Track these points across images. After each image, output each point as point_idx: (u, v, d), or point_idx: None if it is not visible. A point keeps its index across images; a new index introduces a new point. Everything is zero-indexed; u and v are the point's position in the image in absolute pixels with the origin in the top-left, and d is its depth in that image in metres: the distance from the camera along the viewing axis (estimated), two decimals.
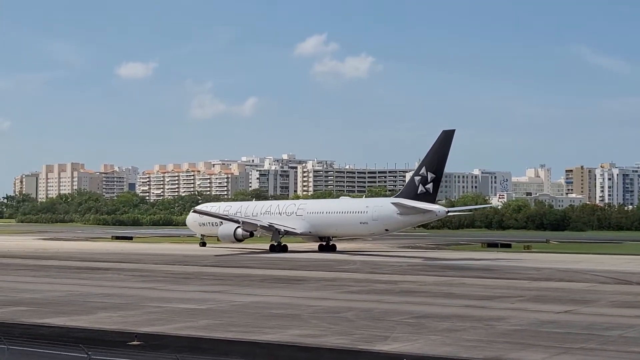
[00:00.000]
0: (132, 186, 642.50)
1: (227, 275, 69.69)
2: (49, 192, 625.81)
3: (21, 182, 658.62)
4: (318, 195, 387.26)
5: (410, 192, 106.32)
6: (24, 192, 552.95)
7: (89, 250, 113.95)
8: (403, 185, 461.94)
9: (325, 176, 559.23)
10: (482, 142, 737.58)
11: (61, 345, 27.75)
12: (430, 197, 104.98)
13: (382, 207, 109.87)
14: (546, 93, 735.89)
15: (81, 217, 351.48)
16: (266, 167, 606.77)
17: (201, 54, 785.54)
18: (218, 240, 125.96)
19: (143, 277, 66.35)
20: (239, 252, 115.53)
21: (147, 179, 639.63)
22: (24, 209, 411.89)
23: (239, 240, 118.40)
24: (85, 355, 22.84)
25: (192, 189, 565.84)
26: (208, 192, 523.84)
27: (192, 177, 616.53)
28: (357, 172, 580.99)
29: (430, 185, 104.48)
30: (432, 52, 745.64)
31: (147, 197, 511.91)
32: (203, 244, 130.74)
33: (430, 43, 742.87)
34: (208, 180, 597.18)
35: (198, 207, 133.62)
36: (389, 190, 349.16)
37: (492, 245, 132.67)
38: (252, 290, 55.80)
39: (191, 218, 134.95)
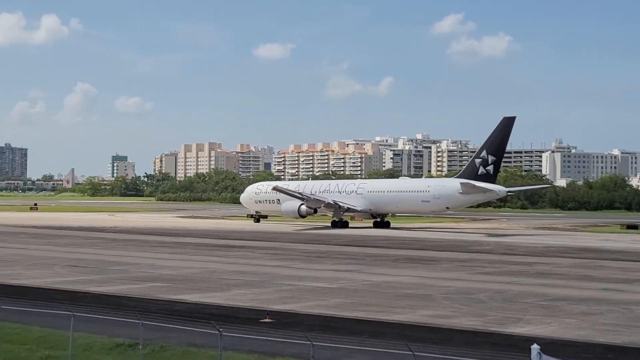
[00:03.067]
0: (267, 166, 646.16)
1: (359, 254, 69.27)
2: (187, 171, 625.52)
3: (161, 161, 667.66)
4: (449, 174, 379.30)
5: (471, 173, 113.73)
6: (163, 171, 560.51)
7: (224, 228, 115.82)
8: (540, 165, 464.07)
9: (459, 156, 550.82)
10: (621, 121, 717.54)
11: (194, 322, 28.03)
12: (490, 178, 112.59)
13: (445, 186, 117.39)
14: None
15: (218, 195, 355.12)
16: (400, 147, 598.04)
17: (337, 35, 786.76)
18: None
19: (277, 256, 66.63)
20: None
21: (282, 159, 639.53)
22: (163, 188, 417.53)
23: (302, 216, 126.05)
24: (217, 332, 23.02)
25: (326, 169, 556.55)
26: (342, 172, 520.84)
27: (326, 157, 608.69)
28: None
29: (490, 167, 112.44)
30: (569, 32, 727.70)
31: (282, 177, 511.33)
32: (257, 220, 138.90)
33: (568, 23, 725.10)
34: (342, 160, 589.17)
35: (278, 185, 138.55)
36: (525, 171, 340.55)
37: (631, 227, 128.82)
38: (384, 270, 55.07)
39: (247, 195, 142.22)
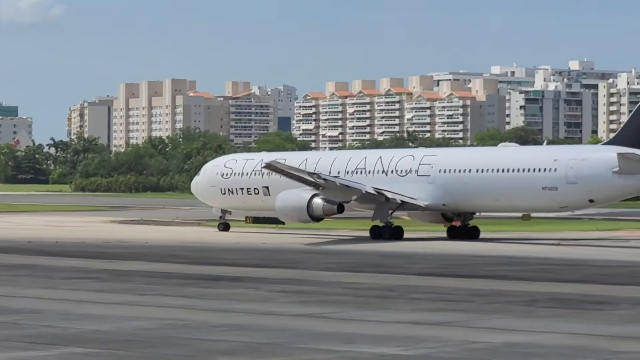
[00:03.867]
0: (284, 122, 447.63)
1: (454, 290, 44.98)
2: (130, 134, 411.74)
3: (81, 116, 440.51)
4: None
5: (636, 135, 73.37)
6: (86, 136, 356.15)
7: (203, 241, 77.44)
8: None
9: None
10: None
11: None
12: None
13: (587, 160, 75.19)
14: None
15: (189, 179, 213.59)
16: (538, 85, 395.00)
17: None
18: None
19: (302, 295, 43.30)
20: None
21: (313, 109, 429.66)
22: (86, 166, 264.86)
23: (315, 218, 79.24)
24: None
25: (397, 128, 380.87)
26: (427, 132, 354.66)
27: (396, 105, 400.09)
28: None
29: None
30: None
31: (312, 144, 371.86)
32: (225, 226, 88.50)
33: None
34: (428, 111, 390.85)
35: (276, 159, 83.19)
36: None
37: None
38: (509, 322, 34.07)
39: (206, 180, 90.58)
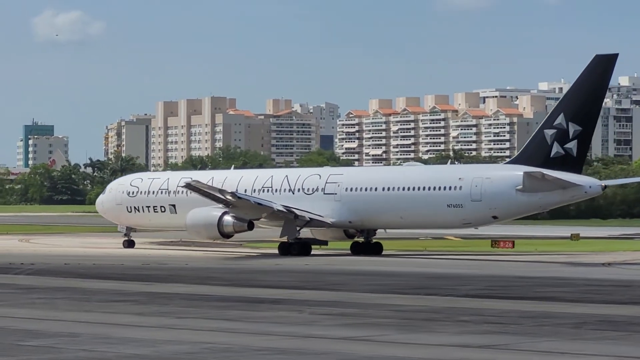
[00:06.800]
0: (326, 140, 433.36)
1: (501, 312, 43.97)
2: (169, 153, 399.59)
3: (118, 135, 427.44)
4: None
5: (538, 154, 76.09)
6: (123, 154, 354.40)
7: (244, 264, 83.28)
8: None
9: None
10: None
11: None
12: (573, 164, 74.94)
13: (491, 179, 77.76)
14: None
15: None
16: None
17: None
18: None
19: (345, 318, 41.76)
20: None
21: (356, 126, 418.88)
22: None
23: (225, 235, 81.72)
24: None
25: (441, 145, 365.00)
26: (473, 150, 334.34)
27: (441, 122, 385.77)
28: None
29: (573, 144, 74.33)
30: None
31: (356, 160, 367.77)
32: (130, 242, 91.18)
33: None
34: (474, 129, 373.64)
35: (197, 179, 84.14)
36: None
37: None
38: (557, 345, 32.64)
39: (112, 198, 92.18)
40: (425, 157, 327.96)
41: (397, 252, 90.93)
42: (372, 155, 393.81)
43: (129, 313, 43.09)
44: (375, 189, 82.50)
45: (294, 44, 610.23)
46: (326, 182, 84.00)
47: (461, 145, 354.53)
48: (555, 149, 74.88)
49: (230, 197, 79.11)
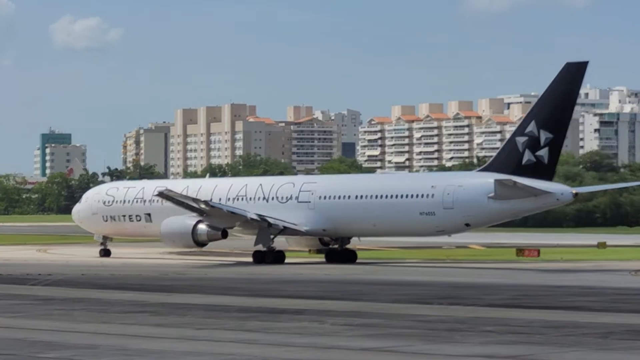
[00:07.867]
0: (348, 148, 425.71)
1: (529, 322, 42.10)
2: (188, 160, 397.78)
3: (137, 143, 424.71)
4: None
5: (510, 162, 76.37)
6: (142, 163, 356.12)
7: (266, 273, 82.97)
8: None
9: None
10: None
11: None
12: (544, 171, 75.12)
13: (463, 186, 77.72)
14: None
15: None
16: (613, 107, 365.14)
17: None
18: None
19: (369, 329, 40.23)
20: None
21: (378, 134, 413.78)
22: None
23: (199, 243, 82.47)
24: None
25: (465, 152, 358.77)
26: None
27: (465, 129, 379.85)
28: None
29: (544, 151, 74.91)
30: None
31: (380, 166, 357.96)
32: (106, 252, 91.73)
33: None
34: (498, 135, 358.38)
35: (170, 187, 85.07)
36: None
37: None
38: (585, 356, 31.84)
39: (87, 207, 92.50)
40: (449, 164, 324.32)
41: (420, 261, 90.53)
42: (395, 163, 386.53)
43: (147, 324, 42.42)
44: (349, 197, 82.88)
45: (314, 50, 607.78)
46: (300, 191, 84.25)
47: (485, 152, 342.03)
48: (527, 156, 75.12)
49: (203, 206, 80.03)
